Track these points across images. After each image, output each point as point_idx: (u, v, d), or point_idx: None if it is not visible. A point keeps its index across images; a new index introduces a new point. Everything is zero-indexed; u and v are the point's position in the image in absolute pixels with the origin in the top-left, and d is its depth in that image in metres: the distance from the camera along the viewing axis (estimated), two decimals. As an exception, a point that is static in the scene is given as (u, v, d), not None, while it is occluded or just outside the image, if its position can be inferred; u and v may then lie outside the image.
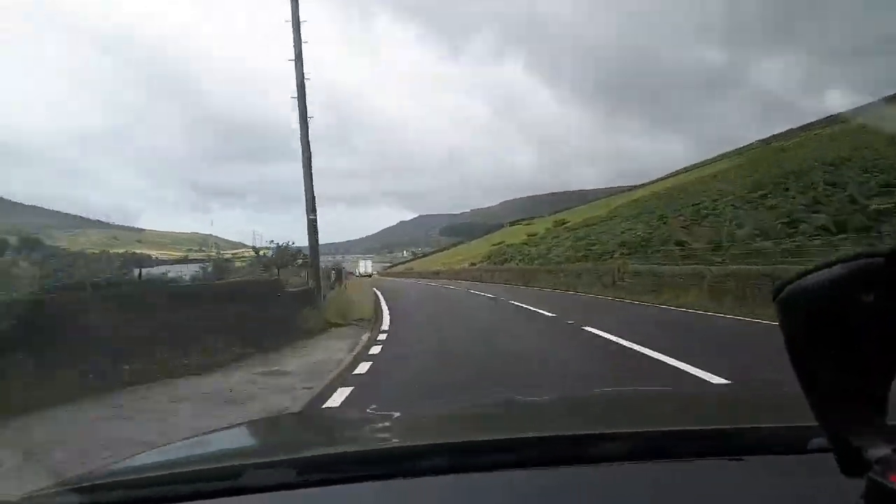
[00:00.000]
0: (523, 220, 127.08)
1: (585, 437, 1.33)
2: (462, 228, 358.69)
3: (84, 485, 1.23)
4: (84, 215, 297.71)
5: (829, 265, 0.52)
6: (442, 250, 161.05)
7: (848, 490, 0.56)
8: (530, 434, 1.43)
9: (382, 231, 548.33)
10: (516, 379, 6.69)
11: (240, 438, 1.97)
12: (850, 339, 0.53)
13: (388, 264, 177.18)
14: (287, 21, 14.55)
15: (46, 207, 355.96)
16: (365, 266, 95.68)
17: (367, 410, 2.20)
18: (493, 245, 64.36)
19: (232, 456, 1.54)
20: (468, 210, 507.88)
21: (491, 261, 49.92)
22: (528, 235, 56.85)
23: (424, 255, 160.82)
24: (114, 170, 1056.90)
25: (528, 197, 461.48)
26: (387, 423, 1.92)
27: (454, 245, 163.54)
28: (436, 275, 58.25)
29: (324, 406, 5.71)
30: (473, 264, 52.40)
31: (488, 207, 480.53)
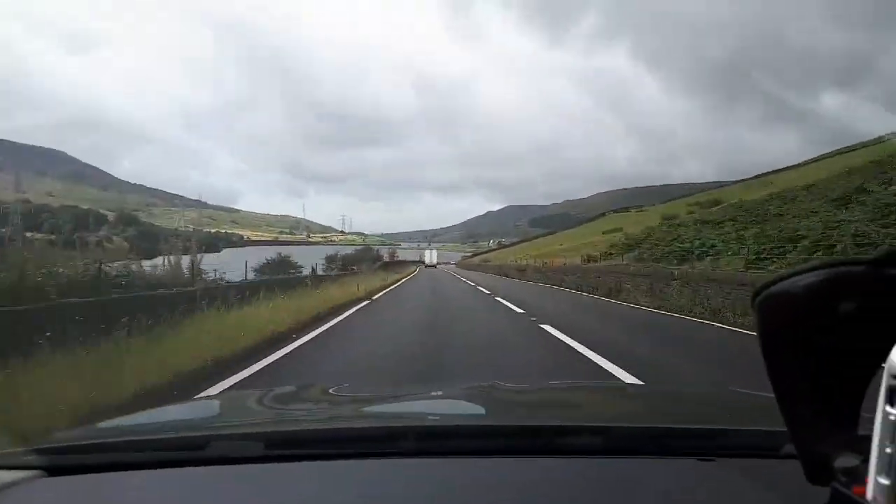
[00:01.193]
0: (629, 208, 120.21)
1: (559, 429, 1.34)
2: (552, 219, 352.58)
3: (48, 446, 1.24)
4: (184, 194, 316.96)
5: (810, 270, 0.52)
6: (530, 240, 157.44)
7: (817, 498, 0.56)
8: (501, 422, 1.50)
9: (469, 220, 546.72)
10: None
11: (207, 410, 1.98)
12: (826, 347, 0.53)
13: (469, 254, 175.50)
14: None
15: (149, 186, 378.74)
16: (430, 257, 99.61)
17: (340, 388, 2.20)
18: (606, 233, 51.48)
19: (198, 427, 1.55)
20: (560, 201, 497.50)
21: (637, 253, 26.83)
22: (664, 219, 39.65)
23: (510, 245, 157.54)
24: (215, 152, 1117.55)
25: (625, 189, 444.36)
26: (361, 403, 1.93)
27: (543, 235, 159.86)
28: (521, 272, 40.35)
29: None
30: (590, 259, 31.83)
31: (581, 199, 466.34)
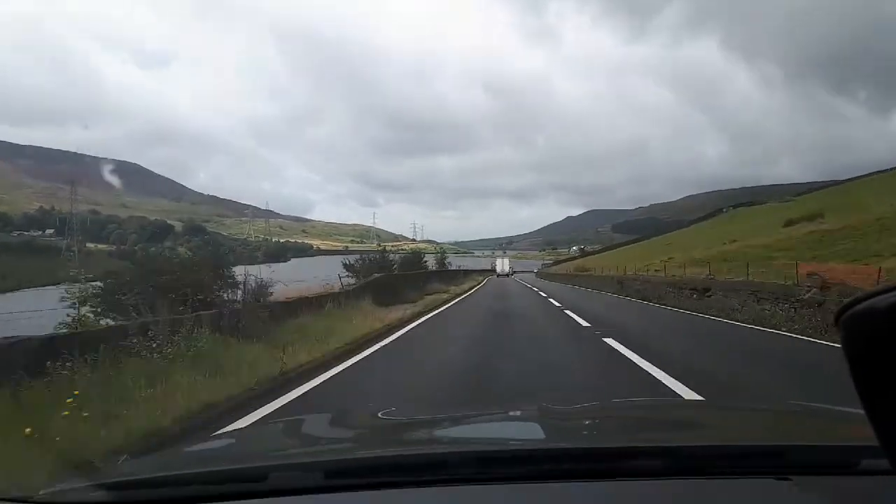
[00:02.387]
0: (744, 203, 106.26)
1: (621, 451, 1.29)
2: (638, 224, 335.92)
3: (110, 481, 1.28)
4: (256, 205, 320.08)
5: (893, 289, 0.51)
6: (617, 246, 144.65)
7: None
8: (562, 445, 1.43)
9: (547, 226, 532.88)
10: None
11: (267, 438, 1.97)
12: None
13: (550, 262, 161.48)
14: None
15: (222, 197, 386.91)
16: (502, 265, 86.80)
17: (389, 413, 2.18)
18: (790, 225, 38.95)
19: (257, 456, 1.59)
20: (645, 205, 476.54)
21: None
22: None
23: (594, 252, 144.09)
24: (287, 162, 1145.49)
25: (715, 192, 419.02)
26: (414, 428, 1.96)
27: (634, 241, 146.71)
28: (700, 296, 19.22)
29: None
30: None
31: (669, 202, 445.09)
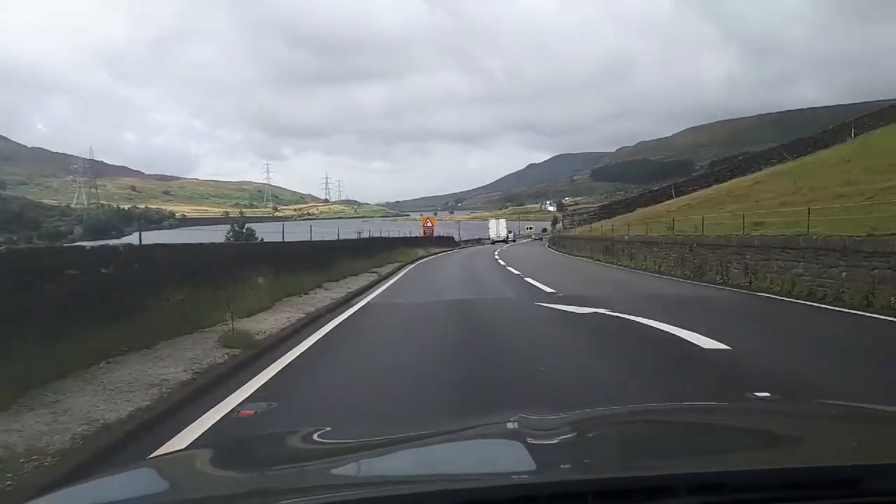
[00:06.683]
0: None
1: (658, 484, 1.17)
2: (620, 169, 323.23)
3: None
4: (105, 160, 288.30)
5: None
6: (642, 202, 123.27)
7: None
8: (555, 477, 1.28)
9: (506, 177, 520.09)
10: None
11: (155, 480, 1.76)
12: None
13: (532, 222, 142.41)
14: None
15: (54, 150, 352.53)
16: (497, 228, 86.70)
17: (326, 434, 2.02)
18: None
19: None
20: (632, 144, 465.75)
21: None
22: None
23: (589, 210, 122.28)
24: (158, 104, 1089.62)
25: (722, 122, 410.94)
26: (364, 453, 1.80)
27: (647, 199, 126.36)
28: None
29: None
30: None
31: (662, 139, 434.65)
